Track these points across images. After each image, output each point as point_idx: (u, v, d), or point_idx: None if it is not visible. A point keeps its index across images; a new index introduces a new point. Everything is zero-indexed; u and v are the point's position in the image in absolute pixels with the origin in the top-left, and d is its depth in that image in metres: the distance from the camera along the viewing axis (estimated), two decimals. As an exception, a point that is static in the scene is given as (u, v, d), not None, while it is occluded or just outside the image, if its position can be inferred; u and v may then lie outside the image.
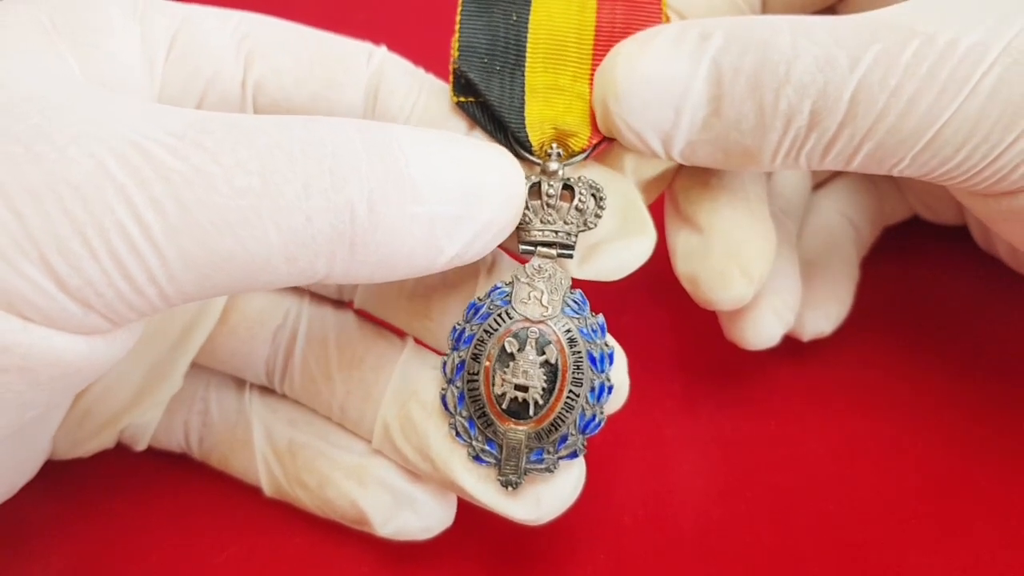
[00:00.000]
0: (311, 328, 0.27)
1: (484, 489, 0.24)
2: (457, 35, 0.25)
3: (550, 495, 0.24)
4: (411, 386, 0.25)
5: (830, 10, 0.29)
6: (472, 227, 0.21)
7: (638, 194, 0.25)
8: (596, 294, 0.24)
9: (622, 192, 0.24)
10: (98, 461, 0.28)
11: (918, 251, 0.35)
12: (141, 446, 0.28)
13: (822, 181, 0.34)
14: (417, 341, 0.27)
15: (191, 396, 0.28)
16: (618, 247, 0.24)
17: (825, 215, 0.33)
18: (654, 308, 0.34)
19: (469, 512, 0.26)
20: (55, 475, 0.28)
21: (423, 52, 0.27)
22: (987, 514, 0.29)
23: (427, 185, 0.20)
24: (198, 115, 0.19)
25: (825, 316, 0.31)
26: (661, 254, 0.25)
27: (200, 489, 0.29)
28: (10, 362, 0.18)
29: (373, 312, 0.28)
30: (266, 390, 0.29)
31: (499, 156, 0.22)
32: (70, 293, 0.18)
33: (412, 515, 0.26)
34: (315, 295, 0.29)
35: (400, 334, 0.27)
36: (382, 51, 0.25)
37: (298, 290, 0.29)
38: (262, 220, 0.18)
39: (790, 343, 0.31)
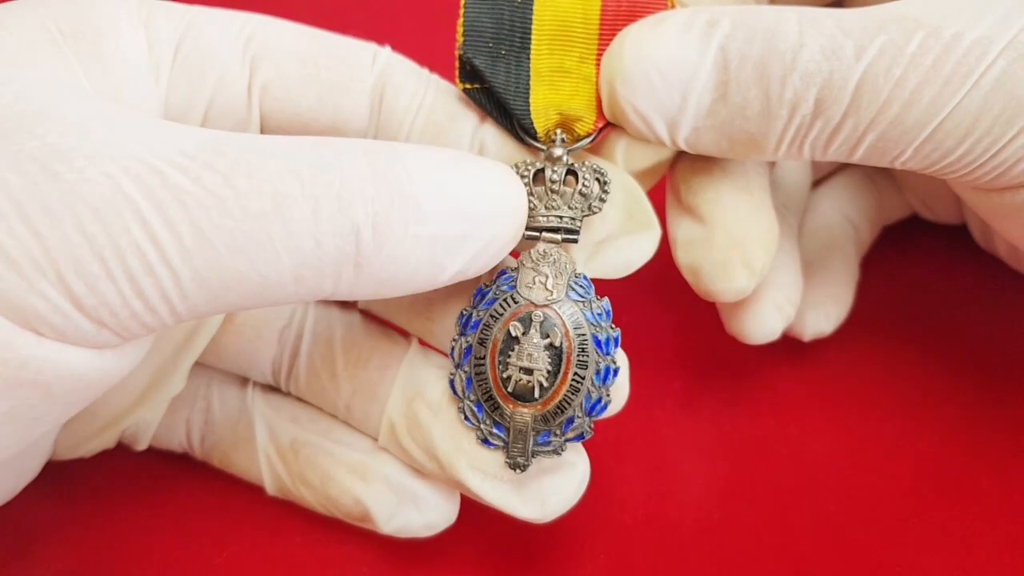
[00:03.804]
0: (317, 328, 0.28)
1: (490, 488, 0.24)
2: (462, 19, 0.25)
3: (555, 494, 0.24)
4: (416, 386, 0.25)
5: (837, 4, 0.29)
6: (475, 246, 0.21)
7: (642, 190, 0.25)
8: (597, 292, 0.24)
9: (626, 188, 0.24)
10: (99, 461, 0.28)
11: (918, 251, 0.35)
12: (142, 446, 0.28)
13: (821, 179, 0.34)
14: (421, 341, 0.27)
15: (193, 394, 0.28)
16: (623, 243, 0.24)
17: (824, 214, 0.33)
18: (654, 307, 0.34)
19: (472, 510, 0.26)
20: (56, 475, 0.28)
21: (423, 52, 0.27)
22: (987, 514, 0.29)
23: (431, 206, 0.20)
24: (210, 135, 0.19)
25: (825, 316, 0.31)
26: (662, 253, 0.25)
27: (200, 489, 0.29)
28: (25, 377, 0.18)
29: (376, 312, 0.28)
30: (268, 388, 0.29)
31: (503, 175, 0.22)
32: (85, 312, 0.18)
33: (415, 512, 0.26)
34: None
35: (405, 334, 0.27)
36: (387, 52, 0.25)
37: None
38: (273, 243, 0.19)
39: (790, 343, 0.32)
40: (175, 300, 0.18)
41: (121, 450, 0.28)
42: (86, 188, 0.17)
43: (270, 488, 0.28)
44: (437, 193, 0.20)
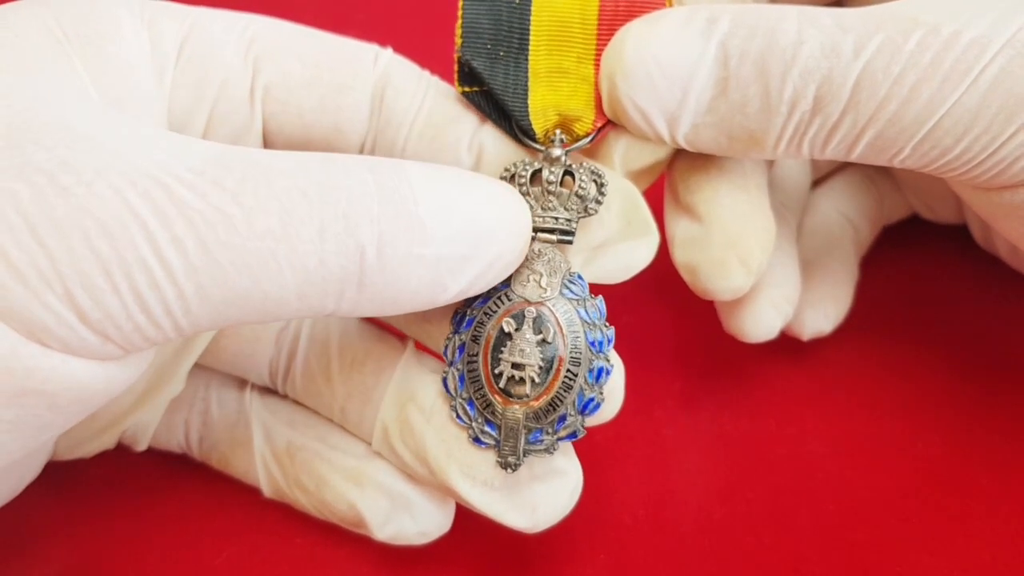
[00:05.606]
0: (314, 330, 0.28)
1: (480, 494, 0.24)
2: (460, 21, 0.25)
3: (546, 502, 0.24)
4: (410, 389, 0.25)
5: (837, 4, 0.29)
6: (478, 266, 0.21)
7: (640, 195, 0.25)
8: (595, 292, 0.24)
9: (624, 193, 0.24)
10: (98, 461, 0.28)
11: (918, 251, 0.35)
12: (141, 446, 0.28)
13: (821, 178, 0.34)
14: (418, 345, 0.27)
15: (192, 396, 0.28)
16: (622, 249, 0.24)
17: (824, 214, 0.33)
18: (654, 307, 0.34)
19: (469, 516, 0.26)
20: (55, 475, 0.28)
21: (423, 54, 0.27)
22: (987, 514, 0.29)
23: (435, 227, 0.20)
24: (217, 149, 0.19)
25: (825, 315, 0.31)
26: (661, 253, 0.25)
27: (200, 489, 0.29)
28: (31, 386, 0.18)
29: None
30: (266, 390, 0.29)
31: (508, 195, 0.22)
32: (90, 325, 0.18)
33: (409, 519, 0.26)
34: None
35: (402, 337, 0.27)
36: (388, 53, 0.25)
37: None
38: (278, 262, 0.19)
39: (790, 342, 0.32)
40: (179, 315, 0.18)
41: (121, 450, 0.28)
42: (94, 202, 0.17)
43: (266, 491, 0.28)
44: (442, 214, 0.20)
